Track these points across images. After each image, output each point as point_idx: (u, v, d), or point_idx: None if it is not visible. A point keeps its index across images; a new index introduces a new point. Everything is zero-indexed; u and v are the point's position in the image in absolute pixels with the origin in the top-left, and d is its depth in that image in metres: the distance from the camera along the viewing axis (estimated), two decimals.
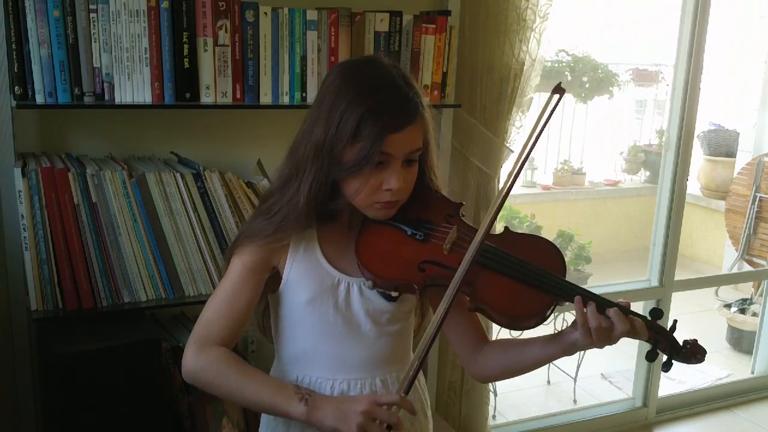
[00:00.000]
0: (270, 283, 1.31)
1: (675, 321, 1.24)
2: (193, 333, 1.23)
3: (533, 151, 1.25)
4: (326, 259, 1.28)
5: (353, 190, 1.19)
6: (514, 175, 1.22)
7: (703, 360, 1.22)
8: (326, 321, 1.28)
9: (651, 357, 1.23)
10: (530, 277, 1.21)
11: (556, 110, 1.22)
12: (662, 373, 3.14)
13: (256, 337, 2.08)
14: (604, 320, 1.16)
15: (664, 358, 1.23)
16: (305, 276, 1.27)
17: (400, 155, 1.18)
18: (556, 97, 1.23)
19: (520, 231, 1.36)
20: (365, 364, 1.30)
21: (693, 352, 1.21)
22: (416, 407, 1.39)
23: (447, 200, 1.32)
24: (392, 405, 1.09)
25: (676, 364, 1.23)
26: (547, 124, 1.22)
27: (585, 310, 1.16)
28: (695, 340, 1.22)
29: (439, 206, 1.30)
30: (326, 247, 1.28)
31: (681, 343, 1.22)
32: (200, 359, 1.19)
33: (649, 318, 1.22)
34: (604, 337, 1.17)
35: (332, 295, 1.27)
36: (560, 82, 1.26)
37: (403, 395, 1.13)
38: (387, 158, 1.17)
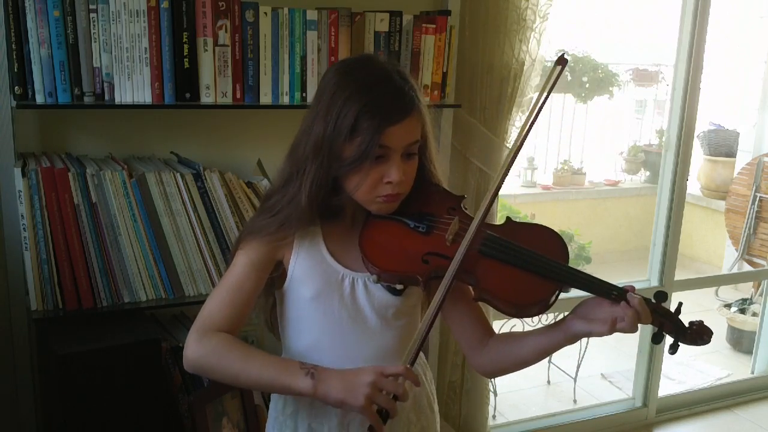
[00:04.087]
0: (277, 279, 1.32)
1: (680, 303, 1.24)
2: (195, 324, 1.23)
3: (529, 137, 1.26)
4: (331, 255, 1.29)
5: (354, 185, 1.21)
6: (513, 152, 1.23)
7: (710, 341, 1.22)
8: (331, 316, 1.29)
9: (657, 339, 1.24)
10: (533, 264, 1.21)
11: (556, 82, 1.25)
12: (662, 373, 3.14)
13: (256, 337, 2.08)
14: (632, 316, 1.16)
15: (671, 340, 1.23)
16: (310, 271, 1.28)
17: (399, 148, 1.20)
18: (558, 68, 1.25)
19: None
20: (371, 359, 1.30)
21: (699, 333, 1.22)
22: (423, 401, 1.41)
23: (448, 193, 1.34)
24: (398, 376, 1.09)
25: (683, 346, 1.23)
26: (549, 97, 1.25)
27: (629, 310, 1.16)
28: (701, 321, 1.22)
29: (440, 199, 1.32)
30: (330, 243, 1.29)
31: (687, 325, 1.22)
32: (202, 345, 1.19)
33: (653, 301, 1.22)
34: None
35: (337, 290, 1.29)
36: (564, 53, 1.27)
37: (408, 366, 1.14)
38: (386, 151, 1.19)
